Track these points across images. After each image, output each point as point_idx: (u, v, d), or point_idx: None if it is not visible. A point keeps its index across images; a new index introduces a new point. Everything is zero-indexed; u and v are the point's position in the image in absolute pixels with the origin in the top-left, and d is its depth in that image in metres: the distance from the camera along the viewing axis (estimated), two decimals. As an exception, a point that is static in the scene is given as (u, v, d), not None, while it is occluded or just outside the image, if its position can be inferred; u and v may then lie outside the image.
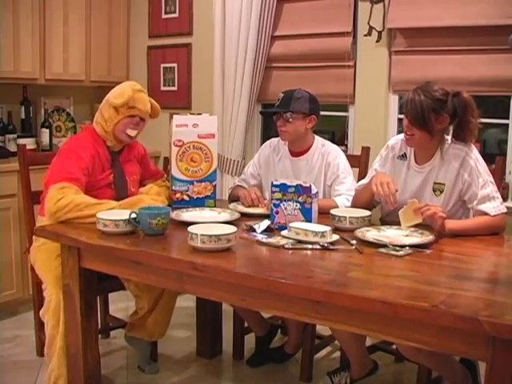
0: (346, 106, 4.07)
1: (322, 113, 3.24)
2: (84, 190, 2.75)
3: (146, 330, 3.15)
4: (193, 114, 3.13)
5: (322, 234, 2.35)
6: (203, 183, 3.01)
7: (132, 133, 2.91)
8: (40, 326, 3.25)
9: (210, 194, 3.02)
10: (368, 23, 3.83)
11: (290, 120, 3.02)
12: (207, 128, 3.00)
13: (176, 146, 2.97)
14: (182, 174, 2.99)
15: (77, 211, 2.60)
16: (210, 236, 2.21)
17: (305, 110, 3.04)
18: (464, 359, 2.63)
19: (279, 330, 3.49)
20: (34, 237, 2.96)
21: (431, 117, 2.56)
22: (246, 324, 3.38)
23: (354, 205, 2.89)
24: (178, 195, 2.99)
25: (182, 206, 2.91)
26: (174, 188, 3.00)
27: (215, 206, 2.97)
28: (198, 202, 2.98)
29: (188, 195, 2.99)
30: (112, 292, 3.24)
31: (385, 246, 2.30)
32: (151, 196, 2.90)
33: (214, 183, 3.03)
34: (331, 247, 2.31)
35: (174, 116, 3.00)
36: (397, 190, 2.60)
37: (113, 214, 2.53)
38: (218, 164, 3.16)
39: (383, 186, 2.60)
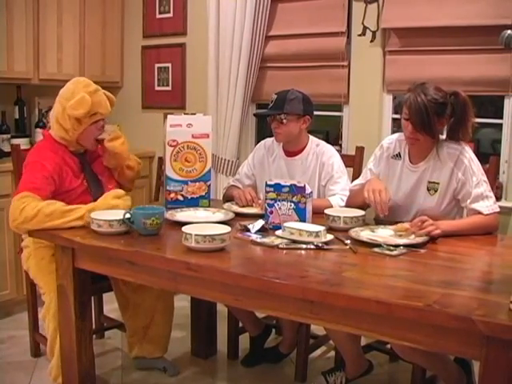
0: (340, 105, 4.07)
1: (317, 113, 3.24)
2: (50, 198, 2.61)
3: (145, 348, 3.16)
4: (187, 113, 3.13)
5: (317, 234, 2.35)
6: (197, 183, 3.01)
7: (99, 137, 2.85)
8: (34, 326, 3.26)
9: (204, 194, 3.02)
10: (362, 23, 3.84)
11: (284, 122, 3.02)
12: (201, 128, 2.99)
13: (170, 146, 2.97)
14: (177, 174, 2.98)
15: (47, 221, 2.50)
16: (205, 236, 2.21)
17: (298, 111, 3.04)
18: (458, 358, 2.63)
19: (274, 330, 3.49)
20: (22, 244, 2.96)
21: (435, 121, 2.56)
22: (240, 324, 3.38)
23: (348, 206, 2.89)
24: (172, 195, 2.99)
25: (176, 206, 2.91)
26: (168, 188, 3.00)
27: (209, 206, 2.97)
28: (192, 202, 2.98)
29: (182, 195, 2.99)
30: (106, 292, 3.23)
31: (379, 245, 2.30)
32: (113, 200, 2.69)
33: (208, 183, 3.03)
34: (325, 247, 2.31)
35: (169, 116, 3.00)
36: (390, 200, 2.60)
37: (107, 214, 2.52)
38: (212, 164, 3.15)
39: (375, 193, 2.59)
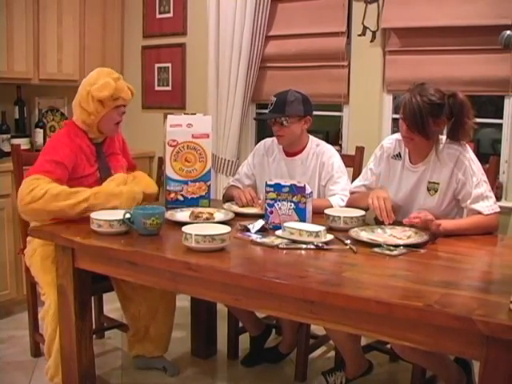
0: (340, 105, 4.07)
1: (317, 113, 3.24)
2: (63, 183, 2.69)
3: (145, 347, 3.15)
4: (187, 113, 3.12)
5: (317, 234, 2.35)
6: (197, 183, 3.01)
7: (120, 123, 2.93)
8: (34, 326, 3.26)
9: (204, 194, 3.02)
10: (362, 23, 3.84)
11: (286, 124, 3.02)
12: (201, 128, 2.99)
13: (170, 146, 2.97)
14: (177, 174, 2.98)
15: (53, 202, 2.57)
16: (205, 236, 2.21)
17: (299, 112, 3.03)
18: (458, 358, 2.63)
19: (274, 330, 3.49)
20: (28, 238, 2.95)
21: (429, 122, 2.55)
22: (240, 324, 3.38)
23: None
24: (172, 195, 2.99)
25: (176, 206, 2.91)
26: (168, 188, 3.00)
27: (209, 206, 2.97)
28: (192, 202, 2.98)
29: (182, 195, 2.99)
30: (106, 292, 3.23)
31: (379, 245, 2.30)
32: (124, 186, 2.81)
33: (208, 183, 3.03)
34: (325, 247, 2.31)
35: (169, 116, 3.00)
36: (395, 213, 2.60)
37: (107, 214, 2.52)
38: (212, 164, 3.14)
39: (379, 200, 2.59)
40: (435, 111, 2.56)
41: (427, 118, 2.54)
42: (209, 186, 3.03)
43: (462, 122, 2.61)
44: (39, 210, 2.59)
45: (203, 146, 2.99)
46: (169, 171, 2.99)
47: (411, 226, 2.50)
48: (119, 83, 2.86)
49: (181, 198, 2.99)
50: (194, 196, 3.00)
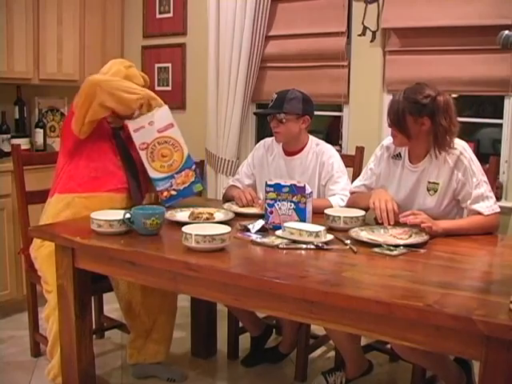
0: (340, 105, 4.07)
1: (317, 113, 3.24)
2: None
3: (147, 351, 3.09)
4: (142, 114, 3.05)
5: (317, 234, 2.35)
6: (183, 172, 2.99)
7: None
8: (34, 326, 3.26)
9: (194, 179, 3.01)
10: (362, 23, 3.84)
11: (283, 121, 3.02)
12: (163, 121, 2.96)
13: (142, 149, 2.94)
14: (160, 173, 2.96)
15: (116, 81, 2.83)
16: (205, 236, 2.21)
17: (298, 110, 3.04)
18: (458, 358, 2.63)
19: (274, 330, 3.49)
20: None
21: (408, 120, 2.55)
22: (240, 324, 3.38)
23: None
24: (165, 194, 2.96)
25: (174, 202, 2.91)
26: (158, 189, 2.98)
27: (204, 189, 2.94)
28: (186, 192, 2.98)
29: (174, 189, 2.97)
30: (106, 292, 3.22)
31: (379, 245, 2.30)
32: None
33: (193, 168, 3.01)
34: (325, 247, 2.31)
35: (128, 123, 2.96)
36: (395, 213, 2.59)
37: (107, 214, 2.52)
38: (212, 164, 3.12)
39: (381, 202, 2.58)
40: (414, 109, 2.55)
41: (404, 116, 2.55)
42: (195, 171, 3.02)
43: (436, 123, 2.56)
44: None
45: (172, 136, 2.96)
46: (152, 173, 2.95)
47: (411, 225, 2.50)
48: (131, 70, 3.02)
49: (174, 193, 2.97)
50: (186, 185, 2.99)
